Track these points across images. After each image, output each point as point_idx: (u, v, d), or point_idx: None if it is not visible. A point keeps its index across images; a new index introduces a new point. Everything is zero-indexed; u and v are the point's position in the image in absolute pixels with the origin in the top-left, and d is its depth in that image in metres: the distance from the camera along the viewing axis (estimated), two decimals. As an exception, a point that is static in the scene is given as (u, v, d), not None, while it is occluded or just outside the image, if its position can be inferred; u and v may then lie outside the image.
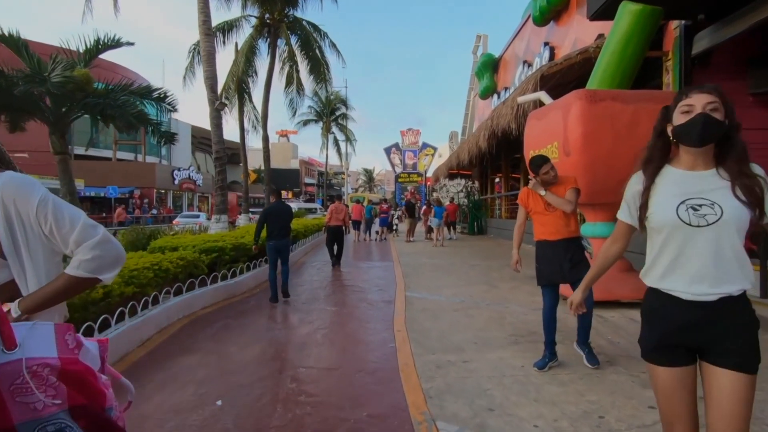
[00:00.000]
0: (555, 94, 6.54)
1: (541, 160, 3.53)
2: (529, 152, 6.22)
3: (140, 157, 38.44)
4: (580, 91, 5.23)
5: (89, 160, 34.27)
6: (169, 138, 6.63)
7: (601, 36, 7.71)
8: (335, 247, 10.03)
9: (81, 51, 5.97)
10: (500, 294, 6.52)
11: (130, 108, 5.59)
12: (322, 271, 9.51)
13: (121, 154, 37.45)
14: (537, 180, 3.60)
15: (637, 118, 5.14)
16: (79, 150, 34.75)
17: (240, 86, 15.63)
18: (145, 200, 33.21)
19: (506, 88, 16.32)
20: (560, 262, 3.50)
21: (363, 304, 6.25)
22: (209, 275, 6.44)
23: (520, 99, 6.52)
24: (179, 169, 38.33)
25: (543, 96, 6.24)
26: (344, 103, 36.16)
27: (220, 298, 6.46)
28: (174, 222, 25.06)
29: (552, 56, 11.37)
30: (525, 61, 14.00)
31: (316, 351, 4.23)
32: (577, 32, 10.08)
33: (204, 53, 10.51)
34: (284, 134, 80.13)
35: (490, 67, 18.25)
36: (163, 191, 37.63)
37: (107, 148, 36.29)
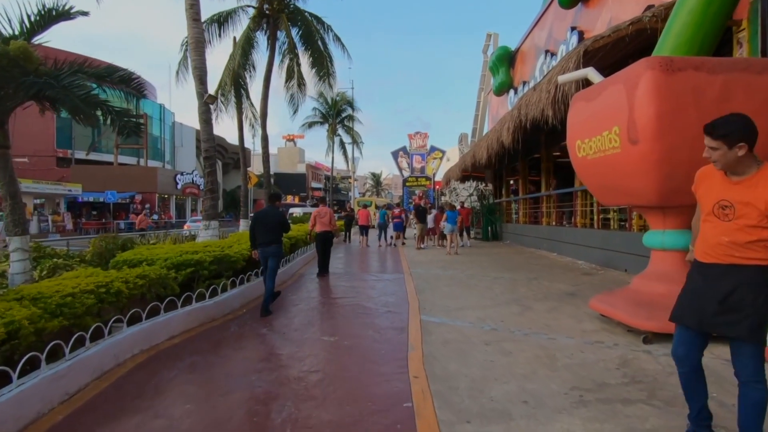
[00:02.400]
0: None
1: (736, 125, 2.05)
2: (575, 142, 4.98)
3: (143, 162, 37.66)
4: (652, 59, 4.00)
5: (90, 165, 33.58)
6: (133, 128, 5.50)
7: (650, 7, 6.46)
8: (323, 256, 9.16)
9: (27, 22, 4.86)
10: (538, 319, 5.27)
11: (78, 90, 4.46)
12: (321, 285, 8.32)
13: (123, 159, 36.70)
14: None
15: (728, 93, 3.90)
16: (80, 154, 34.08)
17: (237, 81, 14.55)
18: (146, 205, 32.32)
19: (524, 82, 15.08)
20: (706, 299, 2.14)
21: (369, 332, 5.04)
22: (187, 294, 5.29)
23: (562, 78, 5.32)
24: (182, 174, 37.50)
25: (591, 73, 5.02)
26: (350, 104, 35.08)
27: (194, 324, 5.29)
28: (185, 226, 24.62)
29: (581, 40, 10.12)
30: (547, 51, 12.77)
31: (304, 413, 3.02)
32: (612, 11, 8.84)
33: (192, 41, 9.43)
34: (291, 138, 79.66)
35: (506, 60, 17.02)
36: (166, 196, 36.82)
37: (109, 152, 35.55)
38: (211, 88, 16.26)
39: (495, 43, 27.80)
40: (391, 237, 16.81)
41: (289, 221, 6.66)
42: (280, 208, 6.58)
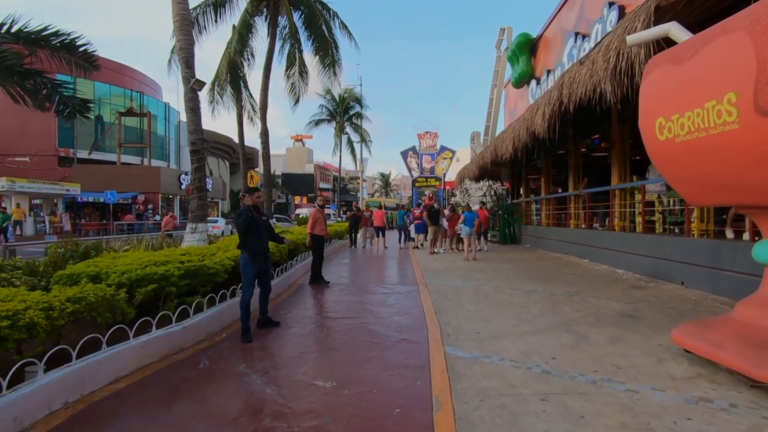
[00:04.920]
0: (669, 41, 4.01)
1: None
2: (655, 120, 3.71)
3: (147, 162, 36.82)
4: (799, -12, 2.72)
5: (93, 164, 32.79)
6: (79, 108, 4.35)
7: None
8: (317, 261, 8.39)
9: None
10: (601, 354, 3.99)
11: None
12: (321, 299, 7.12)
13: (127, 159, 35.85)
14: None
15: None
16: (83, 153, 33.33)
17: (234, 71, 13.38)
18: (149, 206, 31.44)
19: (549, 71, 13.76)
20: None
21: (377, 372, 3.81)
22: (144, 320, 4.12)
23: (632, 38, 4.07)
24: (187, 173, 36.55)
25: (674, 29, 3.76)
26: (359, 101, 33.85)
27: (154, 358, 4.11)
28: None
29: (621, 18, 8.82)
30: (578, 33, 11.45)
31: None
32: (665, -23, 7.49)
33: (177, 18, 8.28)
34: (299, 139, 79.06)
35: (527, 48, 15.70)
36: (170, 196, 35.93)
37: (112, 152, 34.72)
38: (208, 79, 15.16)
39: (509, 38, 26.39)
40: (411, 239, 16.09)
41: (271, 221, 5.33)
42: (257, 204, 5.09)
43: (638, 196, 8.95)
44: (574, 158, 11.99)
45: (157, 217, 30.84)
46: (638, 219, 8.94)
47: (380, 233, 15.86)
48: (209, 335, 4.94)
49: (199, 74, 8.54)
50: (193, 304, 4.81)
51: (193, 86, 8.27)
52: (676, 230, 8.13)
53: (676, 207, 8.18)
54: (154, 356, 4.12)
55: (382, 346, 4.50)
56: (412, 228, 16.25)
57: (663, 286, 7.20)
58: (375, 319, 5.61)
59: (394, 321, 5.51)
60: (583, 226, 11.57)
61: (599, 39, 9.95)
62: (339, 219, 30.25)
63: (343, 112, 33.40)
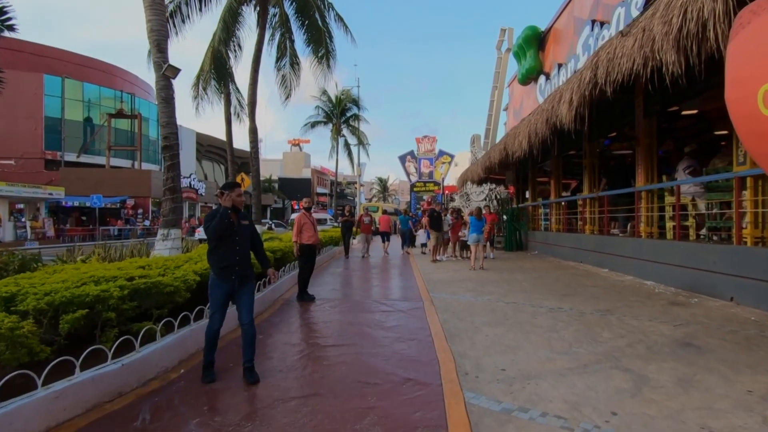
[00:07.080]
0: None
1: None
2: (758, 88, 2.72)
3: (137, 165, 35.74)
4: None
5: (81, 167, 31.71)
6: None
7: None
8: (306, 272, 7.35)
9: None
10: (678, 408, 2.96)
11: None
12: (308, 321, 6.08)
13: (117, 162, 34.78)
14: None
15: None
16: (71, 156, 32.25)
17: (218, 61, 12.33)
18: (139, 210, 30.35)
19: (560, 65, 12.82)
20: None
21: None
22: (62, 359, 3.09)
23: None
24: (182, 177, 35.51)
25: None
26: (356, 102, 32.86)
27: (79, 410, 3.07)
28: (196, 231, 24.97)
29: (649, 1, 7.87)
30: (594, 21, 10.50)
31: None
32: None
33: (147, -4, 7.30)
34: (296, 143, 78.41)
35: (534, 42, 14.77)
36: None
37: (102, 155, 33.65)
38: (191, 75, 14.09)
39: (510, 39, 25.68)
40: (423, 245, 15.66)
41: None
42: (237, 204, 3.88)
43: (668, 199, 7.97)
44: (589, 158, 11.01)
45: (147, 222, 29.76)
46: (669, 224, 7.95)
47: (385, 238, 15.69)
48: (163, 371, 3.89)
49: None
50: (141, 333, 3.77)
51: (165, 72, 7.27)
52: (714, 237, 7.15)
53: (715, 210, 7.21)
54: (76, 409, 3.07)
55: (381, 391, 3.45)
56: (421, 233, 15.97)
57: (708, 302, 6.19)
58: (372, 348, 4.57)
59: (395, 351, 4.46)
60: (596, 231, 10.58)
61: (621, 25, 9.03)
62: (336, 224, 29.16)
63: (340, 113, 32.42)
